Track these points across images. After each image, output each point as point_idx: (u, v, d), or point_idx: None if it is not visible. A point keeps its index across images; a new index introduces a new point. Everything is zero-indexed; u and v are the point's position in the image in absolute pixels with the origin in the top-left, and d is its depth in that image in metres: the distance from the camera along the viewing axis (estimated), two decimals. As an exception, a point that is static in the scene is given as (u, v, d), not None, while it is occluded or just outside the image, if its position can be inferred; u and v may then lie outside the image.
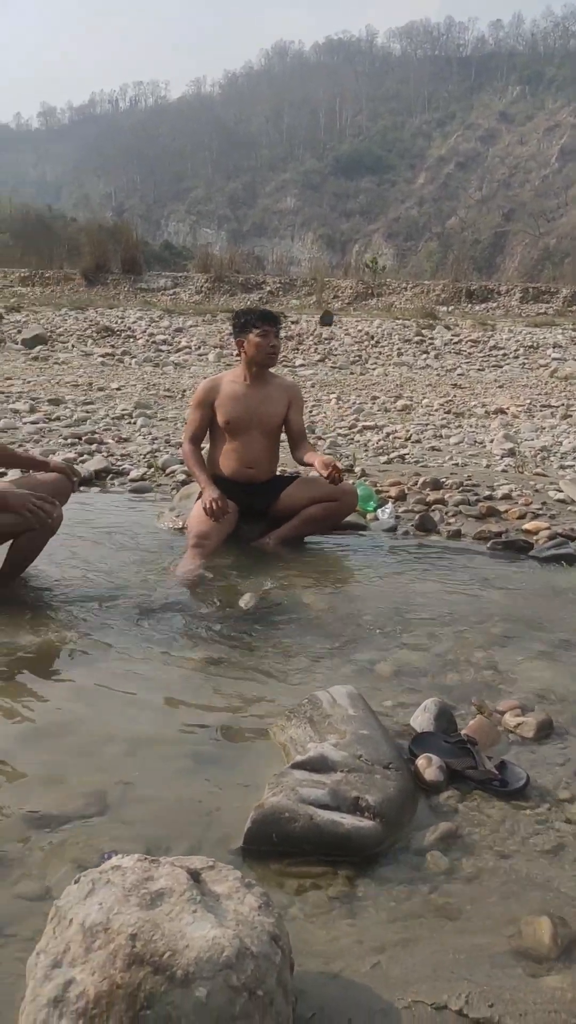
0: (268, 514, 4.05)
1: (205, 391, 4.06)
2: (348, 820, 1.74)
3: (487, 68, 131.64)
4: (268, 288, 18.38)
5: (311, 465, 3.96)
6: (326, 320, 14.53)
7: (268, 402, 4.09)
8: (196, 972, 1.13)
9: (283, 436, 4.22)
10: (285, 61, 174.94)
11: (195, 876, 1.29)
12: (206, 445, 4.19)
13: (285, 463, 4.51)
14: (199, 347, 12.85)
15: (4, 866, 1.68)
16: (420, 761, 2.02)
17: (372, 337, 14.03)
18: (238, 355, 4.12)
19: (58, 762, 2.11)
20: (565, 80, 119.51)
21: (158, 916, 1.20)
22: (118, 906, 1.21)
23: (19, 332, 12.86)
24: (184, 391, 8.90)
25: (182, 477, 5.29)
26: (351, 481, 5.06)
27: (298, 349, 13.21)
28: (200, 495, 4.04)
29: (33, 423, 6.69)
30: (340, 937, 1.50)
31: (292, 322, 14.70)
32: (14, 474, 4.45)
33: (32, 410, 7.27)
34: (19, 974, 1.34)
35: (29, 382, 9.05)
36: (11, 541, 3.28)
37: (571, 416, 8.30)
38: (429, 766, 2.00)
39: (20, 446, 5.70)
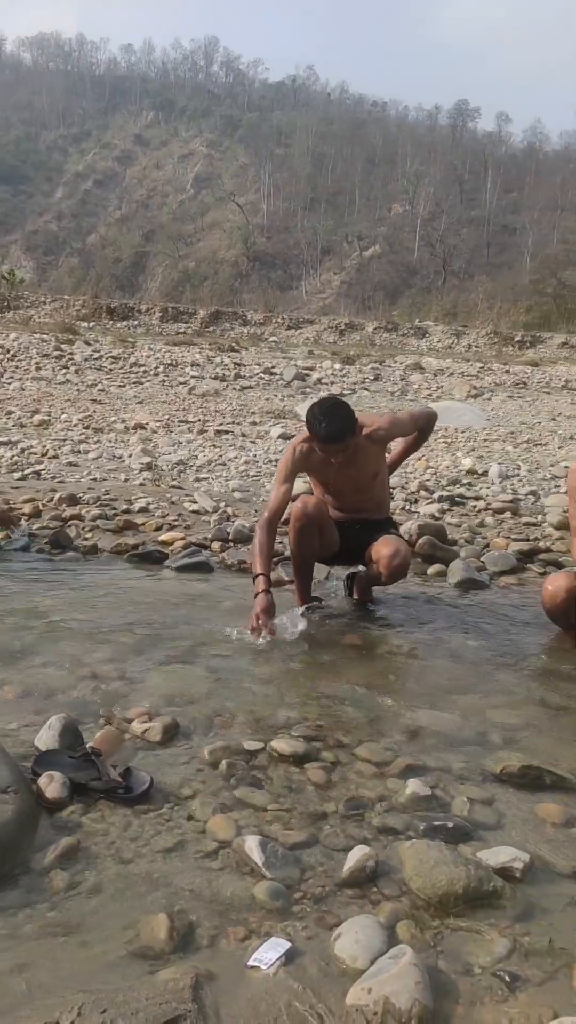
0: None
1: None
2: (-41, 853, 1.65)
3: (121, 90, 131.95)
4: None
5: None
6: None
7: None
8: None
9: None
10: None
11: None
12: None
13: None
14: None
15: None
16: (41, 780, 1.98)
17: (8, 351, 13.53)
18: None
19: None
20: (196, 112, 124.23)
21: None
22: None
23: None
24: None
25: None
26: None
27: None
28: None
29: None
30: (-52, 977, 1.42)
31: None
32: None
33: None
34: None
35: None
36: None
37: (206, 431, 8.66)
38: (51, 783, 1.97)
39: None
